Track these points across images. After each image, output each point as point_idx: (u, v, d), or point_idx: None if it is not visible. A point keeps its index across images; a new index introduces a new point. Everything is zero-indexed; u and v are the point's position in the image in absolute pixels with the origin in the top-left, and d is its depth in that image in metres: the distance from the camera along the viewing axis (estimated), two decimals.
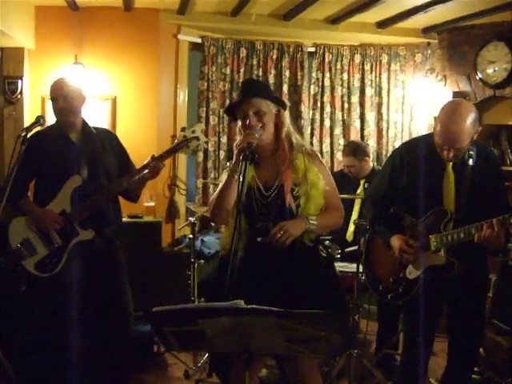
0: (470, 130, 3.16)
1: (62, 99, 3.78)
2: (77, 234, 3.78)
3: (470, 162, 3.24)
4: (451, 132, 3.15)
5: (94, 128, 3.99)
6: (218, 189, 3.08)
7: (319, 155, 3.28)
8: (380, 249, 3.64)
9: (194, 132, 3.78)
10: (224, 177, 3.09)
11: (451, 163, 3.30)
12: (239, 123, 3.12)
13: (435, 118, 3.37)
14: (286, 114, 3.16)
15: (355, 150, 5.38)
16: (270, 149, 3.13)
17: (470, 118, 3.15)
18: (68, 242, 3.77)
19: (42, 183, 3.88)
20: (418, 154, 3.42)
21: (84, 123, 3.94)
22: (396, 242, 3.44)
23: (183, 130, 3.84)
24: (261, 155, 3.03)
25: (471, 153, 3.25)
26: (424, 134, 3.74)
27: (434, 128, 3.28)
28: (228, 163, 3.08)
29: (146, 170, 3.77)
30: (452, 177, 3.32)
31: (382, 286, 3.58)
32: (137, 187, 3.96)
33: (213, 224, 5.75)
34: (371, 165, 5.46)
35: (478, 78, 5.78)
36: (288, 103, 3.21)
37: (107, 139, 4.05)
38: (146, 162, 3.78)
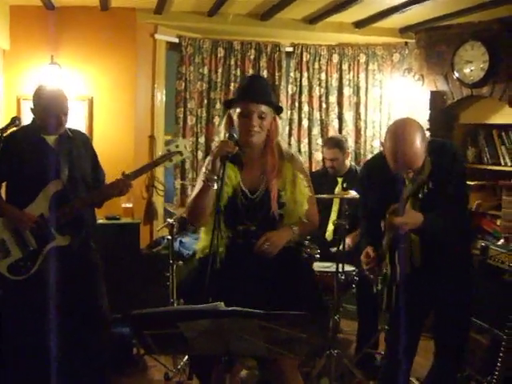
0: (421, 149, 3.09)
1: (62, 114, 3.81)
2: (53, 239, 3.76)
3: (430, 184, 3.16)
4: (404, 159, 3.08)
5: (70, 130, 3.96)
6: (195, 192, 3.05)
7: (299, 157, 3.30)
8: None
9: (177, 147, 3.82)
10: (198, 182, 3.08)
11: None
12: (232, 116, 3.09)
13: (382, 143, 3.29)
14: (279, 122, 3.18)
15: (339, 142, 5.39)
16: (257, 153, 3.12)
17: (418, 138, 3.07)
18: (43, 246, 3.75)
19: (17, 185, 3.84)
20: (377, 174, 3.44)
21: None
22: (364, 253, 3.49)
23: (167, 144, 3.87)
24: (248, 157, 3.03)
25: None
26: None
27: (386, 154, 3.20)
28: (204, 168, 3.05)
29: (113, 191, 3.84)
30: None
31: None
32: (103, 200, 4.00)
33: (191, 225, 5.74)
34: (348, 162, 5.46)
35: (455, 77, 5.81)
36: None
37: (82, 142, 4.05)
38: (115, 180, 3.81)
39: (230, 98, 3.35)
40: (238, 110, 3.04)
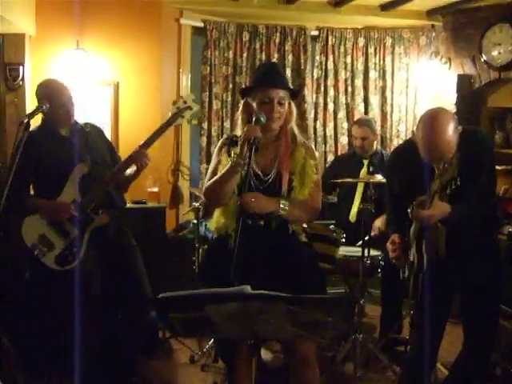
0: (453, 139, 3.07)
1: (70, 104, 3.85)
2: (92, 221, 3.80)
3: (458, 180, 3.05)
4: (437, 149, 3.06)
5: (80, 123, 4.01)
6: (219, 176, 3.06)
7: (313, 148, 3.32)
8: None
9: (185, 102, 3.83)
10: (224, 164, 3.09)
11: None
12: (251, 103, 3.11)
13: (414, 132, 3.26)
14: (294, 106, 3.19)
15: (369, 122, 5.41)
16: (272, 137, 3.16)
17: (451, 129, 3.05)
18: (84, 230, 3.78)
19: (42, 181, 3.88)
20: (405, 162, 3.44)
21: None
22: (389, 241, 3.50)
23: (174, 103, 3.87)
24: (262, 141, 3.02)
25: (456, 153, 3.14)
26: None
27: (418, 143, 3.17)
28: (232, 153, 3.06)
29: (134, 168, 3.85)
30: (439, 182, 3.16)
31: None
32: (127, 181, 4.02)
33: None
34: (375, 145, 5.45)
35: (482, 60, 5.74)
36: (291, 87, 3.24)
37: (95, 132, 4.10)
38: (130, 154, 3.84)
39: (245, 87, 3.37)
40: (258, 96, 3.07)
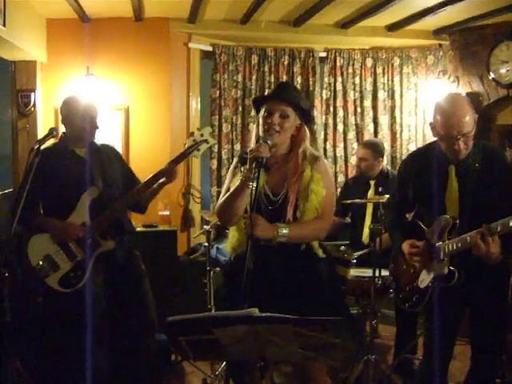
0: (472, 114, 3.17)
1: (95, 119, 3.87)
2: (99, 246, 3.80)
3: (476, 165, 3.21)
4: (456, 116, 3.14)
5: (99, 144, 4.03)
6: (230, 193, 3.06)
7: (325, 161, 3.26)
8: (401, 259, 3.63)
9: (202, 135, 3.83)
10: (235, 181, 3.09)
11: (454, 169, 3.26)
12: (260, 118, 3.11)
13: (431, 122, 3.31)
14: (306, 130, 3.17)
15: (374, 145, 5.36)
16: (281, 156, 3.14)
17: (468, 103, 3.20)
18: (91, 254, 3.78)
19: (52, 200, 3.87)
20: (421, 164, 3.43)
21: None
22: (405, 246, 3.46)
23: (192, 134, 3.89)
24: (271, 161, 3.02)
25: (475, 155, 3.24)
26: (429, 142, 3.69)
27: (436, 124, 3.24)
28: (242, 168, 3.06)
29: (164, 179, 3.82)
30: (455, 182, 3.27)
31: (402, 295, 3.58)
32: (152, 194, 4.02)
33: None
34: (381, 167, 5.42)
35: (490, 78, 5.75)
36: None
37: (112, 153, 4.11)
38: (161, 168, 3.82)
39: (255, 98, 3.37)
40: (263, 110, 3.09)
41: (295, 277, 3.06)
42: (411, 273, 3.48)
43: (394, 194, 3.86)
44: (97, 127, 3.91)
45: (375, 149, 5.29)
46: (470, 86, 6.00)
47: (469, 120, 3.14)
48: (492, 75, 5.71)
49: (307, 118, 3.20)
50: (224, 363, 4.53)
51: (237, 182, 3.04)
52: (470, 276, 3.24)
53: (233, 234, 3.21)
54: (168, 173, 3.82)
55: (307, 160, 3.13)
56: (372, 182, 5.27)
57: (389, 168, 5.70)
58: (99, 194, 3.81)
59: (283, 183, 3.09)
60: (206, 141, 3.82)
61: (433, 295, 3.31)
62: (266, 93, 6.38)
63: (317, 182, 3.08)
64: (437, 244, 3.28)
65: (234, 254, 3.19)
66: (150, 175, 3.87)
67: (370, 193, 5.20)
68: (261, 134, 3.07)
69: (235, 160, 3.29)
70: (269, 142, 2.95)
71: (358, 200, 4.83)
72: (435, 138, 3.37)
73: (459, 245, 3.13)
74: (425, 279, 3.37)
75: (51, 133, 3.72)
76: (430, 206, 3.32)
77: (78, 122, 3.84)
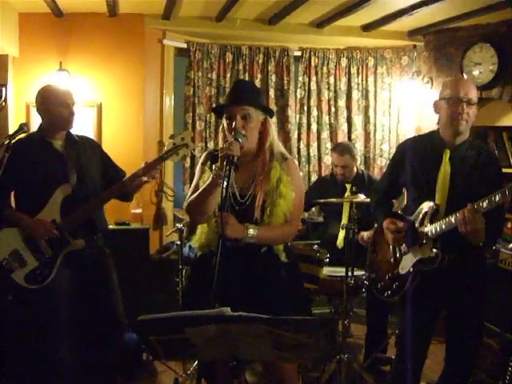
0: (475, 89, 3.36)
1: (72, 106, 3.81)
2: (68, 244, 3.73)
3: (470, 156, 3.34)
4: (465, 82, 3.39)
5: (77, 136, 3.96)
6: (200, 191, 3.04)
7: (295, 162, 3.26)
8: (380, 248, 3.66)
9: (183, 139, 3.73)
10: (204, 178, 3.10)
11: (448, 153, 3.33)
12: (224, 123, 3.10)
13: (436, 100, 3.45)
14: (272, 123, 3.18)
15: (350, 149, 5.31)
16: (250, 155, 3.12)
17: (472, 80, 3.44)
18: (59, 252, 3.73)
19: (25, 193, 3.81)
20: (419, 147, 3.50)
21: (67, 132, 3.90)
22: (386, 223, 3.52)
23: (172, 137, 3.78)
24: (240, 160, 2.96)
25: (471, 148, 3.36)
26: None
27: (443, 95, 3.37)
28: (213, 165, 3.04)
29: (145, 178, 3.75)
30: (448, 167, 3.32)
31: (381, 284, 3.61)
32: (133, 191, 3.96)
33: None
34: (356, 168, 5.41)
35: None
36: (275, 108, 3.21)
37: (90, 147, 4.03)
38: (138, 169, 3.75)
39: (213, 107, 3.37)
40: (225, 115, 3.08)
41: (253, 278, 3.05)
42: (391, 261, 3.53)
43: (382, 177, 3.96)
44: (73, 113, 3.83)
45: (351, 152, 5.26)
46: None
47: (474, 90, 3.34)
48: (465, 77, 5.74)
49: (268, 111, 3.19)
50: (196, 362, 4.51)
51: (207, 179, 3.03)
52: (451, 261, 3.25)
53: (201, 231, 3.19)
54: (148, 171, 3.73)
55: (275, 157, 3.12)
56: (348, 186, 5.25)
57: (363, 169, 5.70)
58: (72, 191, 3.75)
59: (251, 183, 3.08)
60: (186, 145, 3.74)
61: (414, 281, 3.34)
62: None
63: (286, 185, 3.06)
64: (419, 229, 3.33)
65: (201, 252, 3.18)
66: (126, 177, 3.82)
67: (347, 195, 5.17)
68: (228, 137, 3.05)
69: (203, 156, 3.28)
70: (239, 139, 2.94)
71: (332, 199, 4.83)
72: (408, 137, 3.45)
73: (443, 227, 3.19)
74: (406, 265, 3.40)
75: (22, 128, 3.67)
76: (421, 189, 3.40)
77: (55, 109, 3.77)
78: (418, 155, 3.47)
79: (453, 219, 3.12)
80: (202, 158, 3.27)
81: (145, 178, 3.75)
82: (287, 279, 3.16)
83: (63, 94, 3.82)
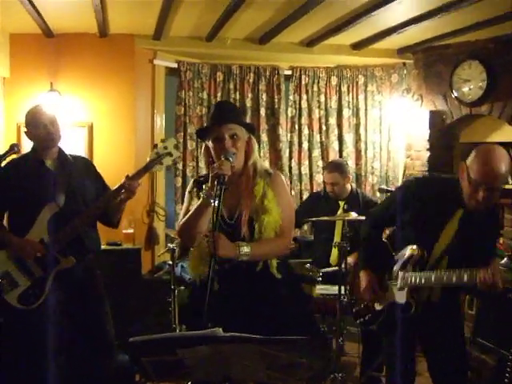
0: (506, 173, 3.06)
1: (49, 124, 3.75)
2: (57, 263, 3.70)
3: (482, 220, 3.15)
4: (492, 167, 3.00)
5: (70, 155, 3.94)
6: (192, 212, 3.02)
7: (282, 176, 3.23)
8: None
9: (166, 148, 3.68)
10: (194, 203, 3.07)
11: (461, 213, 3.18)
12: (208, 145, 3.09)
13: (464, 163, 3.12)
14: (255, 141, 3.17)
15: (340, 166, 5.34)
16: (236, 174, 3.07)
17: (506, 162, 3.04)
18: (49, 271, 3.70)
19: (18, 213, 3.80)
20: (430, 193, 3.29)
21: (60, 150, 3.89)
22: (363, 277, 3.46)
23: (155, 146, 3.75)
24: (228, 180, 2.92)
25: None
26: (447, 176, 3.57)
27: (470, 168, 3.07)
28: (204, 186, 3.02)
29: (122, 191, 3.70)
30: (456, 226, 3.19)
31: (356, 309, 3.57)
32: (116, 209, 3.89)
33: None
34: (350, 186, 5.42)
35: (453, 96, 5.80)
36: (266, 126, 3.21)
37: (83, 166, 4.01)
38: (120, 183, 3.71)
39: (197, 130, 3.35)
40: (211, 136, 3.06)
41: (251, 298, 3.02)
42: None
43: (378, 208, 3.82)
44: (51, 132, 3.76)
45: (342, 169, 5.28)
46: (434, 104, 6.06)
47: (503, 174, 3.04)
48: (455, 94, 5.77)
49: (251, 129, 3.18)
50: (190, 383, 4.46)
51: (198, 201, 3.01)
52: (424, 311, 3.23)
53: (194, 254, 3.16)
54: (127, 189, 3.69)
55: (258, 174, 3.10)
56: (341, 203, 5.26)
57: (358, 189, 5.70)
58: (60, 210, 3.73)
59: (237, 203, 3.05)
60: (169, 153, 3.67)
61: (387, 318, 3.32)
62: None
63: (270, 200, 3.03)
64: (398, 272, 3.27)
65: (198, 277, 3.11)
66: (110, 191, 3.79)
67: (340, 213, 5.17)
68: (215, 158, 3.03)
69: (190, 184, 3.24)
70: (230, 159, 2.92)
71: (325, 218, 4.82)
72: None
73: (422, 281, 3.15)
74: (381, 303, 3.38)
75: (12, 149, 3.67)
76: (419, 234, 3.26)
77: (32, 130, 3.77)
78: (428, 201, 3.26)
79: (432, 277, 3.10)
80: (189, 186, 3.24)
81: (124, 195, 3.71)
82: (287, 297, 3.13)
83: (38, 115, 3.79)
